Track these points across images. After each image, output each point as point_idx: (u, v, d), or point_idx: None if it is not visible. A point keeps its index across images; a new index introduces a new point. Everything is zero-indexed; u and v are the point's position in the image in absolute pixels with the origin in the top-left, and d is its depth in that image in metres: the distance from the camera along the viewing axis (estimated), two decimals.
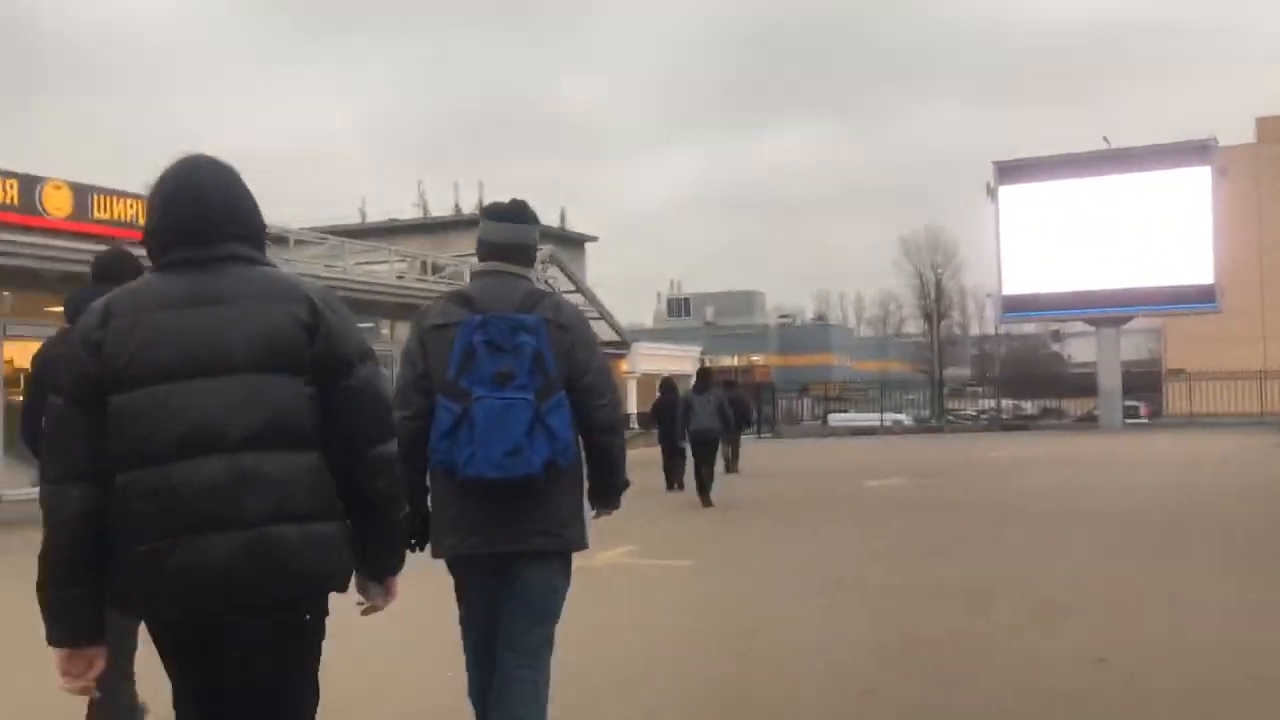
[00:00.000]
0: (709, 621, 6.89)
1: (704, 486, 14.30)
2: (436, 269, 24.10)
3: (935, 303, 68.44)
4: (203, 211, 2.33)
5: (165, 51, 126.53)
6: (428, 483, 3.36)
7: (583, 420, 3.34)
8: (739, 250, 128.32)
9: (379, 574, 2.52)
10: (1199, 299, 38.84)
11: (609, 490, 3.54)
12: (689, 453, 15.34)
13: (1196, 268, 38.42)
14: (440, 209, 53.53)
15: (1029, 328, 76.71)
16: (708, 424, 14.87)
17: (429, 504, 3.37)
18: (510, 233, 3.49)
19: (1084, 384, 54.00)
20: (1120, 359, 44.03)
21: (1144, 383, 50.50)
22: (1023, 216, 40.95)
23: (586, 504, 3.49)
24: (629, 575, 8.43)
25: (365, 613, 2.59)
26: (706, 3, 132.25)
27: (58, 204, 16.73)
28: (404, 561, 2.61)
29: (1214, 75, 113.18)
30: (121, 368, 2.21)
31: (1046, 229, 40.30)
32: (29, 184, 16.64)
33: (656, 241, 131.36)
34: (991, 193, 41.56)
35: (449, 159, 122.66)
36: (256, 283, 2.33)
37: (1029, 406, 54.42)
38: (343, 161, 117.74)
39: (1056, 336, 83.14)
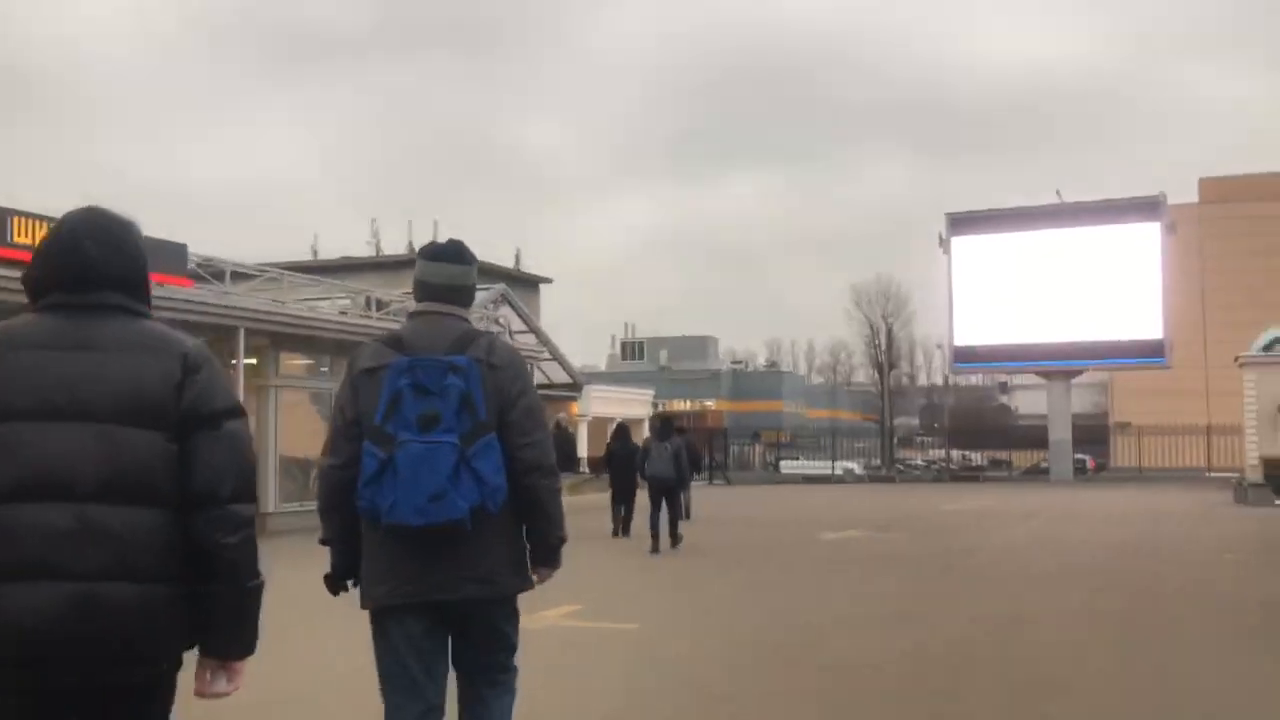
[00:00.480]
0: (655, 702, 6.14)
1: (655, 532, 14.40)
2: (381, 305, 23.28)
3: (886, 352, 68.38)
4: (82, 259, 2.30)
5: (117, 78, 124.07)
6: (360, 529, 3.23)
7: (510, 459, 3.16)
8: (691, 297, 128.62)
9: (222, 653, 2.30)
10: (1148, 354, 38.92)
11: (543, 545, 3.33)
12: (647, 498, 15.36)
13: (1146, 322, 38.52)
14: (394, 247, 52.76)
15: (975, 379, 77.54)
16: (663, 471, 14.93)
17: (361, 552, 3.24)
18: (447, 273, 3.37)
19: (1032, 436, 54.54)
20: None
21: (1091, 436, 50.51)
22: (974, 267, 40.93)
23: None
24: (569, 642, 7.63)
25: (204, 696, 2.32)
26: (660, 51, 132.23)
27: None
28: (253, 645, 2.34)
29: (1155, 138, 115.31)
30: None
31: (998, 280, 40.31)
32: None
33: (609, 286, 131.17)
34: (944, 243, 41.50)
35: (403, 197, 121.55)
36: (130, 333, 2.30)
37: (977, 457, 54.50)
38: (296, 197, 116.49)
39: (1004, 388, 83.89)
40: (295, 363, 20.73)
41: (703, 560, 13.71)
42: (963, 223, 41.34)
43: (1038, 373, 41.09)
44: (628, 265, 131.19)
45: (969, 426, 64.80)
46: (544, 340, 36.29)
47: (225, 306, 17.98)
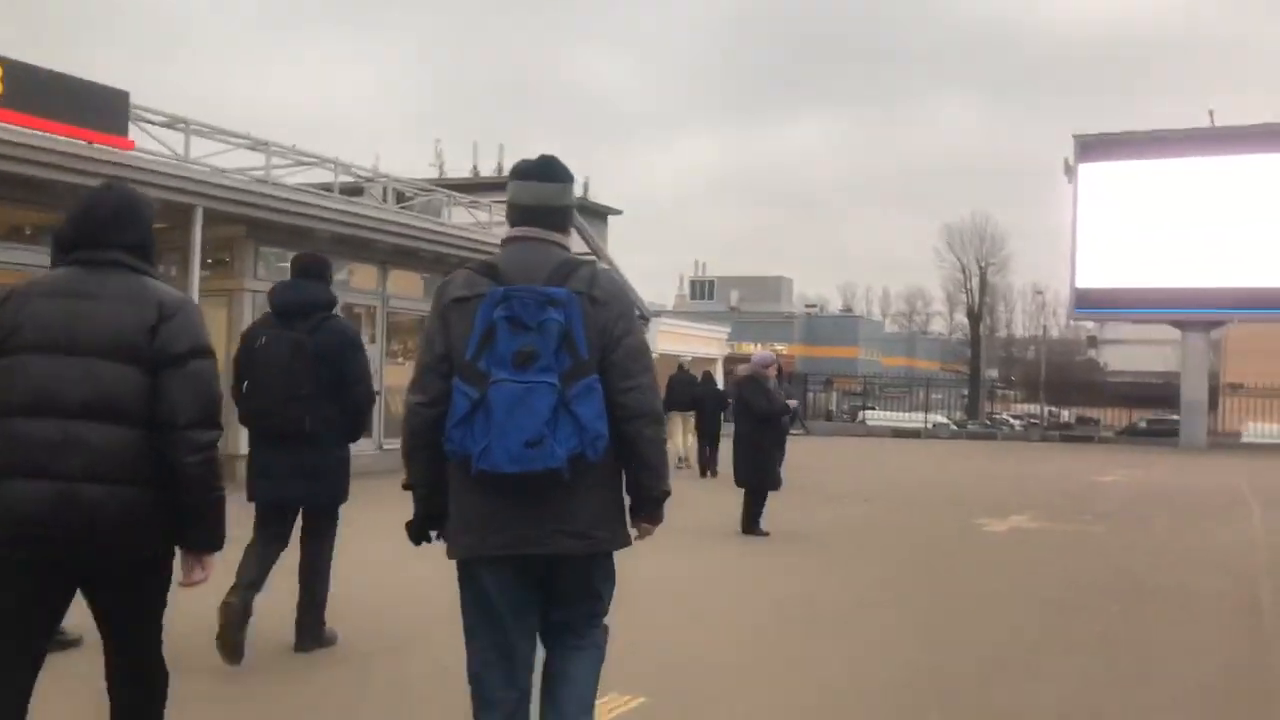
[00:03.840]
0: None
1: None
2: (402, 198, 18.27)
3: (980, 297, 62.18)
4: (101, 224, 2.87)
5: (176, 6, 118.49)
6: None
7: (611, 404, 2.81)
8: (760, 238, 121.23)
9: (192, 547, 2.80)
10: None
11: (646, 499, 2.97)
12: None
13: None
14: (458, 172, 48.14)
15: (1055, 333, 71.49)
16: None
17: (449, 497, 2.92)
18: (540, 193, 3.01)
19: (1123, 393, 49.40)
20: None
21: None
22: (1104, 199, 34.60)
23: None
24: None
25: (182, 584, 2.84)
26: None
27: None
28: (220, 542, 2.81)
29: (1238, 89, 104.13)
30: (3, 338, 2.73)
31: (1131, 215, 34.00)
32: None
33: (677, 225, 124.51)
34: (1069, 171, 35.18)
35: (468, 125, 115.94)
36: (124, 286, 2.81)
37: (1065, 414, 50.59)
38: (356, 128, 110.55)
39: (1093, 342, 78.21)
40: (285, 264, 15.75)
41: (831, 572, 8.50)
42: (1094, 147, 34.92)
43: (1172, 321, 34.78)
44: (695, 205, 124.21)
45: (1055, 381, 60.11)
46: (611, 267, 31.56)
47: (176, 178, 12.96)
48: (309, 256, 5.44)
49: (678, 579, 7.47)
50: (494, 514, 2.77)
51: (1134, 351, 64.32)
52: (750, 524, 10.03)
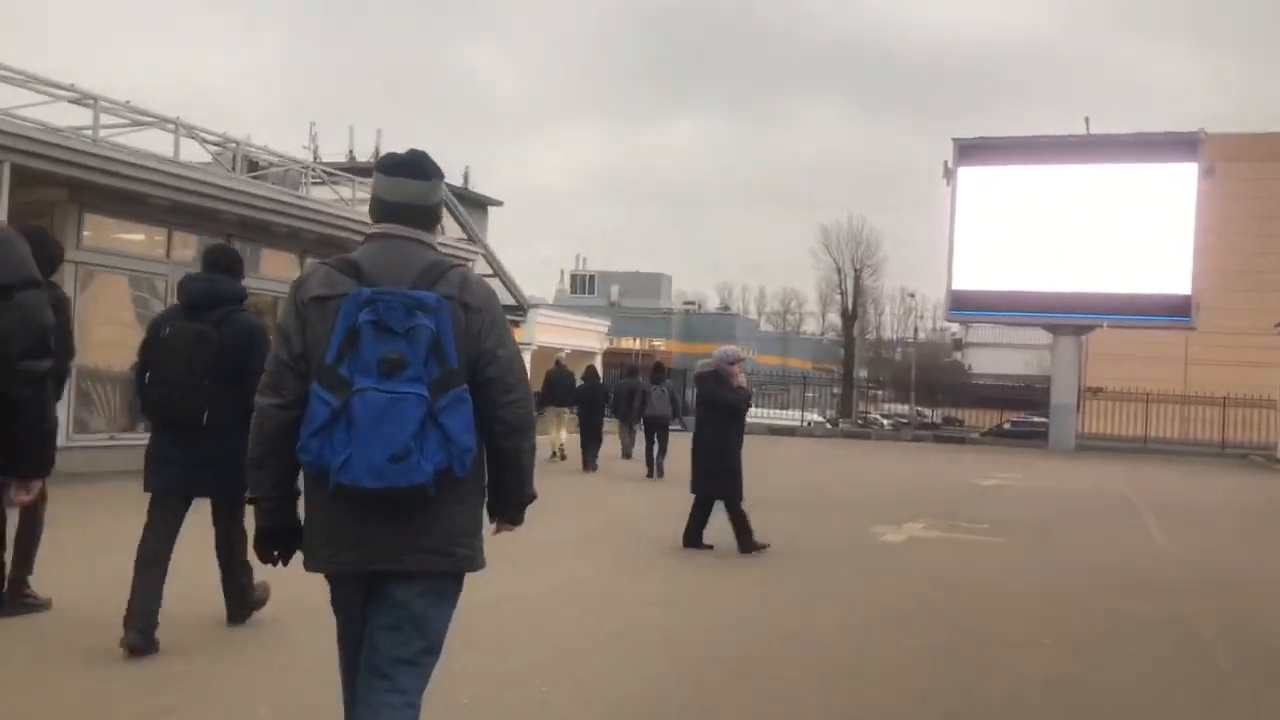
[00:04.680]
0: None
1: (655, 462, 15.98)
2: (254, 166, 16.51)
3: (855, 299, 62.59)
4: None
5: None
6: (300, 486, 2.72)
7: (485, 419, 2.67)
8: (638, 236, 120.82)
9: (19, 472, 2.81)
10: (1173, 312, 33.05)
11: (512, 503, 2.88)
12: (641, 435, 16.96)
13: (1172, 276, 32.65)
14: (333, 157, 45.78)
15: (923, 335, 72.98)
16: (662, 410, 16.29)
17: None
18: (407, 190, 2.78)
19: (986, 396, 50.85)
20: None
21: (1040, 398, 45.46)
22: (981, 203, 34.67)
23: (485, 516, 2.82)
24: None
25: (8, 506, 3.14)
26: None
27: None
28: (46, 468, 2.83)
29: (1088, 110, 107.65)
30: None
31: (1007, 219, 34.16)
32: None
33: (557, 220, 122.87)
34: (949, 173, 35.17)
35: (346, 111, 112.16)
36: None
37: (931, 415, 51.37)
38: (233, 111, 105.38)
39: (958, 345, 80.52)
40: (121, 235, 13.90)
41: (730, 580, 7.40)
42: (973, 150, 34.96)
43: (1044, 325, 35.05)
44: (574, 201, 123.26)
45: (924, 382, 61.81)
46: (489, 258, 30.00)
47: None
48: (220, 249, 5.65)
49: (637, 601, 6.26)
50: (349, 528, 2.61)
51: (998, 355, 66.00)
52: (694, 538, 8.85)
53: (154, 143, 15.11)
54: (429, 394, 2.51)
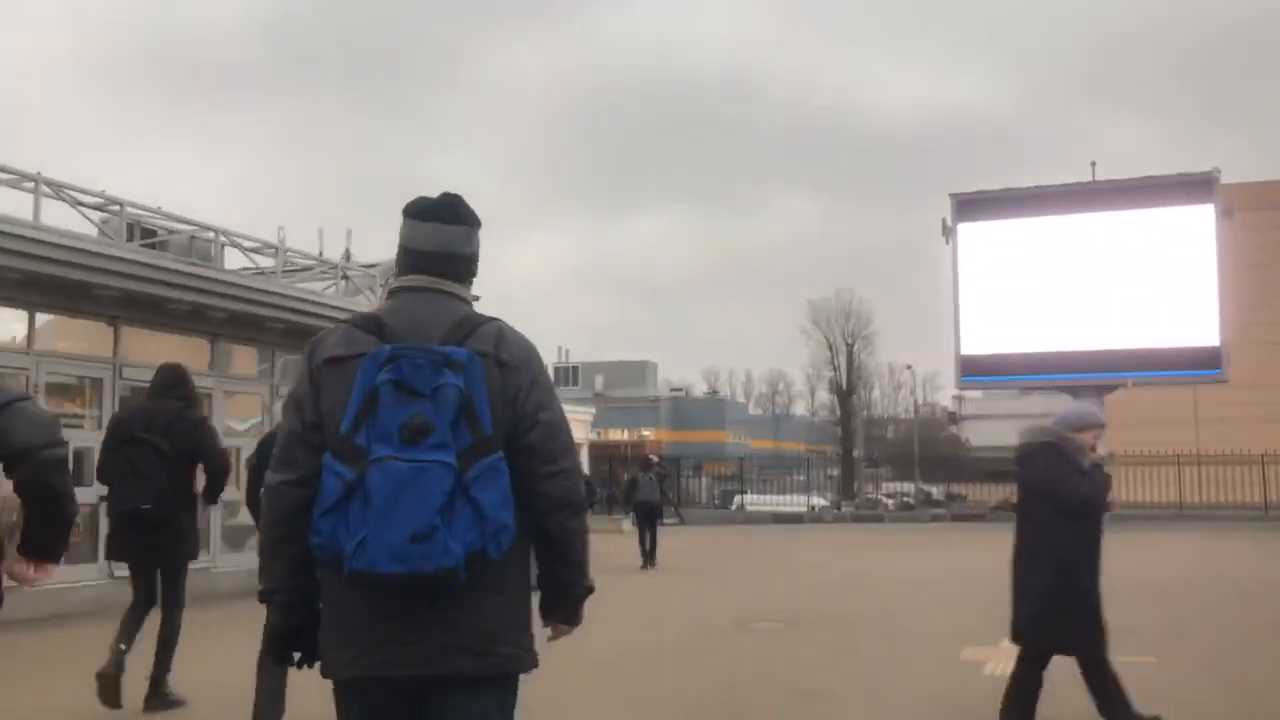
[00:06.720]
0: None
1: (648, 553, 16.07)
2: (147, 234, 13.45)
3: (847, 374, 59.78)
4: None
5: (22, 103, 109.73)
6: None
7: (528, 493, 2.28)
8: (621, 327, 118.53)
9: (29, 550, 2.80)
10: (1202, 365, 30.08)
11: (566, 599, 2.43)
12: (633, 522, 17.15)
13: (1198, 327, 29.77)
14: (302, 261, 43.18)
15: (908, 412, 70.44)
16: (651, 497, 16.56)
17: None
18: (441, 236, 2.45)
19: (985, 469, 48.11)
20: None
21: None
22: (985, 260, 31.90)
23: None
24: None
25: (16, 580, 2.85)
26: (564, 84, 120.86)
27: None
28: (61, 552, 2.83)
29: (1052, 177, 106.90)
30: None
31: (1014, 276, 31.38)
32: None
33: (534, 316, 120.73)
34: (947, 232, 32.47)
35: (316, 223, 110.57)
36: None
37: (935, 491, 49.49)
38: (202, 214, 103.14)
39: (954, 419, 77.98)
40: None
41: None
42: (973, 205, 32.23)
43: (1064, 387, 31.99)
44: (553, 296, 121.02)
45: (924, 457, 59.74)
46: None
47: None
48: (169, 369, 6.35)
49: None
50: (371, 624, 2.19)
51: (993, 426, 63.20)
52: (1024, 712, 5.21)
53: (14, 205, 12.02)
54: (457, 463, 2.13)
